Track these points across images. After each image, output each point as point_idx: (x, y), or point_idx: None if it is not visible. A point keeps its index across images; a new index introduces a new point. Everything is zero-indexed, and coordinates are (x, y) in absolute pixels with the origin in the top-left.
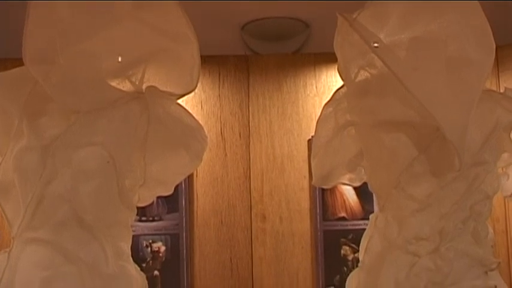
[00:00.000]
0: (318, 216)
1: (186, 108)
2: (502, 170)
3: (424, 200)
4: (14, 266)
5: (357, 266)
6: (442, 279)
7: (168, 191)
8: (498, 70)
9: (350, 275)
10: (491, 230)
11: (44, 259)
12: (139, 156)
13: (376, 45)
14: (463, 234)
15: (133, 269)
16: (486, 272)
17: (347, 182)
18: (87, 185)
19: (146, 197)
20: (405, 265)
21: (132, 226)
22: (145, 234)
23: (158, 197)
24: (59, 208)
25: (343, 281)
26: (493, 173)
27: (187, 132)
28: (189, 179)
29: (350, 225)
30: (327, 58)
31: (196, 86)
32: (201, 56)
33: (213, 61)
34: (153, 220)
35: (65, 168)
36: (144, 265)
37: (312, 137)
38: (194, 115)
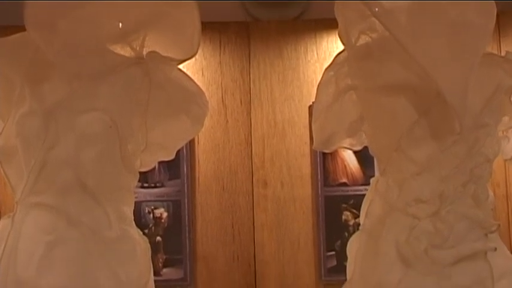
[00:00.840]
0: (319, 182)
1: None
2: (503, 133)
3: (425, 163)
4: (17, 231)
5: (358, 231)
6: (442, 242)
7: (170, 156)
8: (499, 36)
9: (351, 239)
10: (491, 193)
11: (48, 223)
12: (141, 121)
13: (376, 9)
14: (463, 197)
15: (136, 232)
16: (486, 235)
17: (348, 146)
18: (89, 150)
19: (148, 162)
20: (405, 228)
21: (134, 192)
22: (147, 201)
23: (160, 164)
24: (62, 173)
25: (344, 246)
26: (493, 136)
27: (188, 97)
28: (191, 145)
29: (351, 190)
30: (327, 24)
31: (197, 51)
32: (202, 23)
33: (214, 28)
34: (155, 187)
35: (67, 134)
36: (146, 231)
37: (313, 103)
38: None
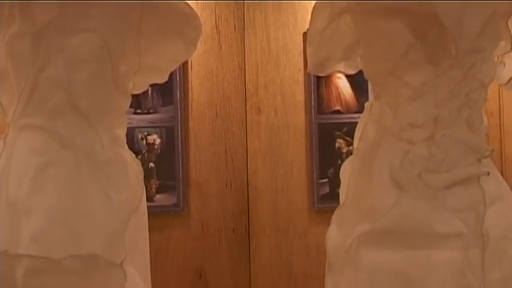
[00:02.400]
0: (313, 109)
1: None
2: (498, 58)
3: (420, 87)
4: (9, 152)
5: (351, 155)
6: (436, 166)
7: (163, 79)
8: None
9: (344, 163)
10: (485, 119)
11: (39, 145)
12: (134, 42)
13: None
14: (458, 122)
15: (128, 155)
16: (479, 160)
17: (342, 70)
18: (81, 71)
19: (141, 84)
20: (400, 152)
21: (127, 119)
22: (140, 127)
23: (153, 90)
24: (53, 95)
25: (337, 174)
26: (489, 61)
27: (181, 19)
28: (184, 71)
29: (345, 118)
30: None
31: None
32: None
33: None
34: (148, 113)
35: (58, 55)
36: (139, 157)
37: (308, 29)
38: None
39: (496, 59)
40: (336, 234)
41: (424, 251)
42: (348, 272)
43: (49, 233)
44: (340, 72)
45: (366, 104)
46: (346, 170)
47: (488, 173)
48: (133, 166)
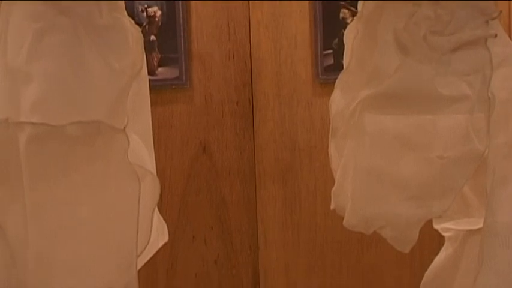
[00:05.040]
0: None
1: None
2: None
3: None
4: (5, 19)
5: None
6: (442, 28)
7: None
8: None
9: (348, 27)
10: None
11: (36, 11)
12: None
13: None
14: None
15: (127, 21)
16: (487, 22)
17: None
18: None
19: None
20: (404, 14)
21: None
22: None
23: None
24: None
25: (341, 44)
26: None
27: None
28: None
29: None
30: None
31: None
32: None
33: None
34: None
35: None
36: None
37: None
38: None
39: None
40: (340, 98)
41: (429, 115)
42: (352, 137)
43: (50, 100)
44: None
45: None
46: (349, 35)
47: (496, 35)
48: (133, 32)
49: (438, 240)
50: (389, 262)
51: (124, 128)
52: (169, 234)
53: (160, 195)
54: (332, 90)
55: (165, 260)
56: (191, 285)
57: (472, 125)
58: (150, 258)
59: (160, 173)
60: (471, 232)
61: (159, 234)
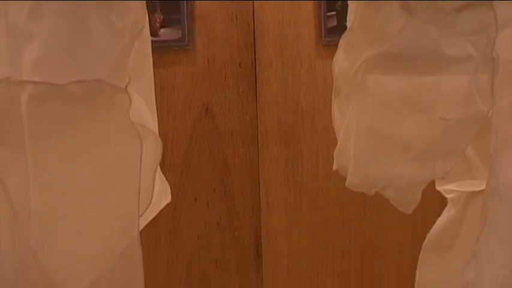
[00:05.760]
0: None
1: None
2: None
3: None
4: None
5: None
6: None
7: None
8: None
9: None
10: None
11: None
12: None
13: None
14: None
15: None
16: None
17: None
18: None
19: None
20: None
21: None
22: None
23: None
24: None
25: (345, 6)
26: None
27: None
28: None
29: None
30: None
31: None
32: None
33: None
34: None
35: None
36: None
37: None
38: None
39: None
40: (343, 58)
41: (433, 76)
42: (355, 98)
43: (52, 59)
44: None
45: None
46: None
47: None
48: None
49: (440, 202)
50: (391, 224)
51: (126, 87)
52: (171, 196)
53: (163, 158)
54: (335, 52)
55: (167, 221)
56: (193, 246)
57: (476, 86)
58: (153, 220)
59: (163, 135)
60: (474, 194)
61: (161, 195)
